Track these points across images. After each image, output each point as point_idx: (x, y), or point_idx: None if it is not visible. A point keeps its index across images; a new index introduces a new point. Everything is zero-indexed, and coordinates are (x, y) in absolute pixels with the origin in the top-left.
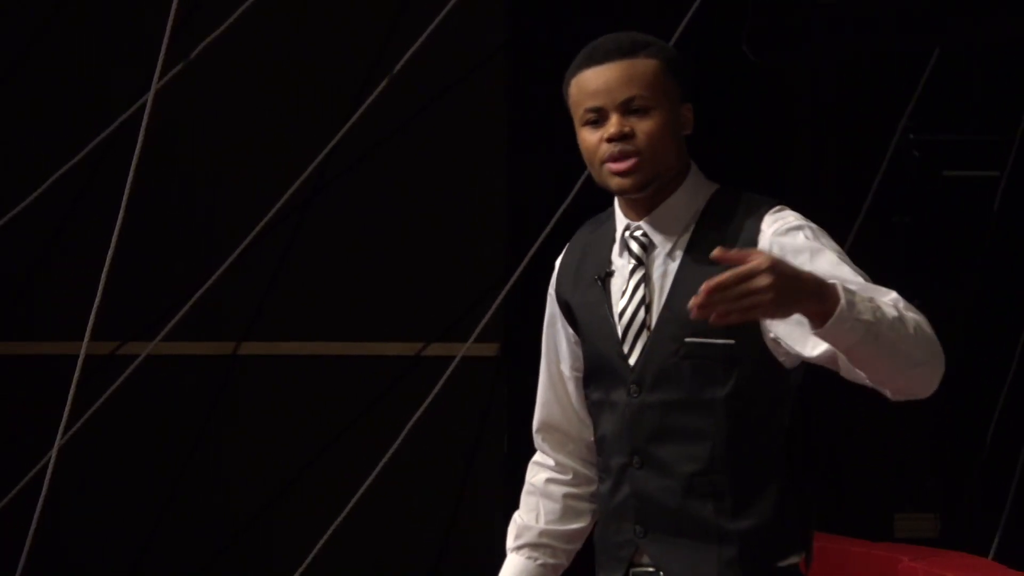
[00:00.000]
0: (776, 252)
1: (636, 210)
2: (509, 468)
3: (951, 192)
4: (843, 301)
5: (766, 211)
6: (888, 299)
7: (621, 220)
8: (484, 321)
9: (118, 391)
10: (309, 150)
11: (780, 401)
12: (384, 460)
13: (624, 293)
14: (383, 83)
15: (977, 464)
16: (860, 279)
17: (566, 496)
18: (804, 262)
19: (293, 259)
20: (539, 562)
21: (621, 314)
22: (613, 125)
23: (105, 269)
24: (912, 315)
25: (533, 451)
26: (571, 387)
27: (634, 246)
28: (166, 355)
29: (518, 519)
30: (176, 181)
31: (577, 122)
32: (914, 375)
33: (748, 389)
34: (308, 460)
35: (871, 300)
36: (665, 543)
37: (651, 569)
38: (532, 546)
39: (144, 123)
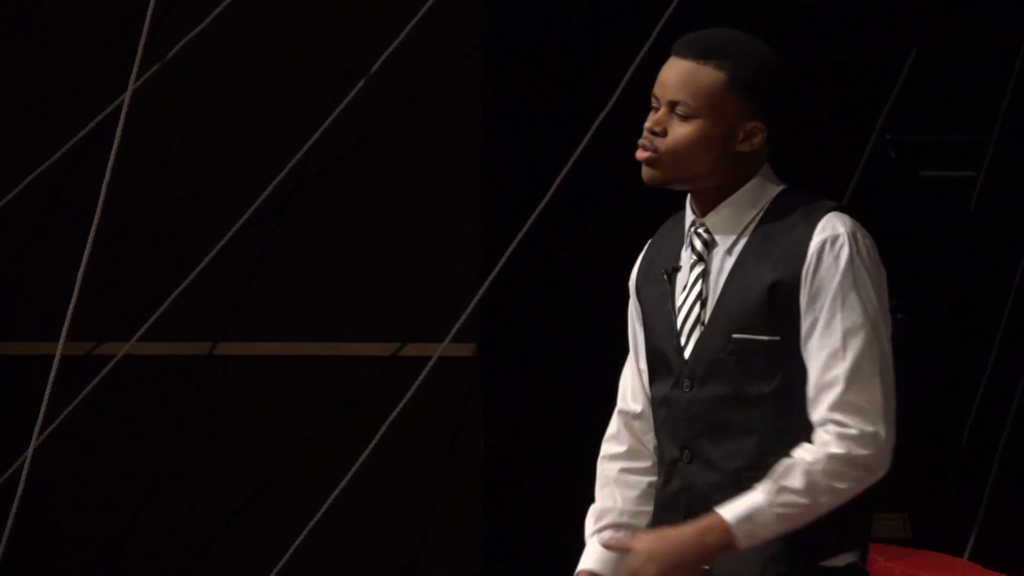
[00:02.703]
0: (811, 266)
1: (700, 206)
2: (486, 468)
3: (928, 192)
4: (739, 539)
5: (821, 215)
6: (800, 471)
7: (689, 215)
8: (461, 321)
9: (94, 391)
10: (285, 151)
11: None
12: (361, 460)
13: (685, 288)
14: (360, 83)
15: (953, 464)
16: (846, 366)
17: (640, 484)
18: (816, 315)
19: (270, 259)
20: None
21: (680, 308)
22: (651, 119)
23: (81, 269)
24: (821, 475)
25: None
26: (646, 378)
27: (697, 242)
28: (142, 355)
29: (596, 507)
30: (153, 181)
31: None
32: (837, 508)
33: (795, 385)
34: (285, 460)
35: (772, 502)
36: None
37: (705, 567)
38: (616, 527)
39: (121, 123)
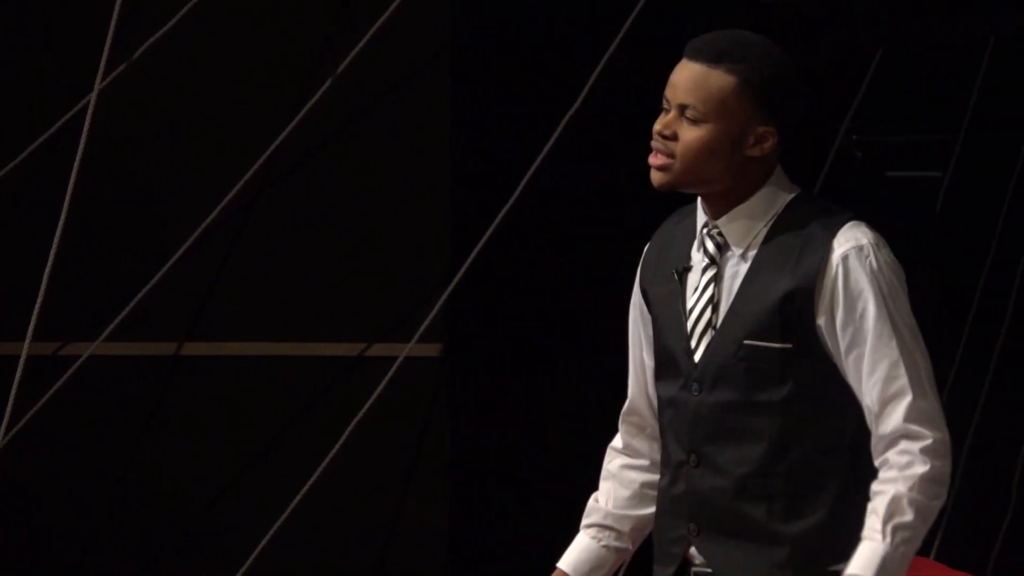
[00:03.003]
0: (836, 277)
1: (713, 209)
2: (452, 468)
3: (894, 192)
4: None
5: (841, 224)
6: (905, 496)
7: (701, 217)
8: (427, 321)
9: (60, 392)
10: (253, 150)
11: (842, 406)
12: (327, 460)
13: (696, 290)
14: (327, 83)
15: None
16: (909, 375)
17: (638, 482)
18: (861, 329)
19: (236, 260)
20: (602, 543)
21: (691, 311)
22: (661, 122)
23: (47, 269)
24: (923, 498)
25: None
26: (650, 376)
27: (710, 245)
28: (108, 355)
29: (591, 499)
30: (119, 182)
31: None
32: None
33: (806, 393)
34: (251, 460)
35: (894, 543)
36: (717, 542)
37: (708, 570)
38: (598, 527)
39: (87, 123)
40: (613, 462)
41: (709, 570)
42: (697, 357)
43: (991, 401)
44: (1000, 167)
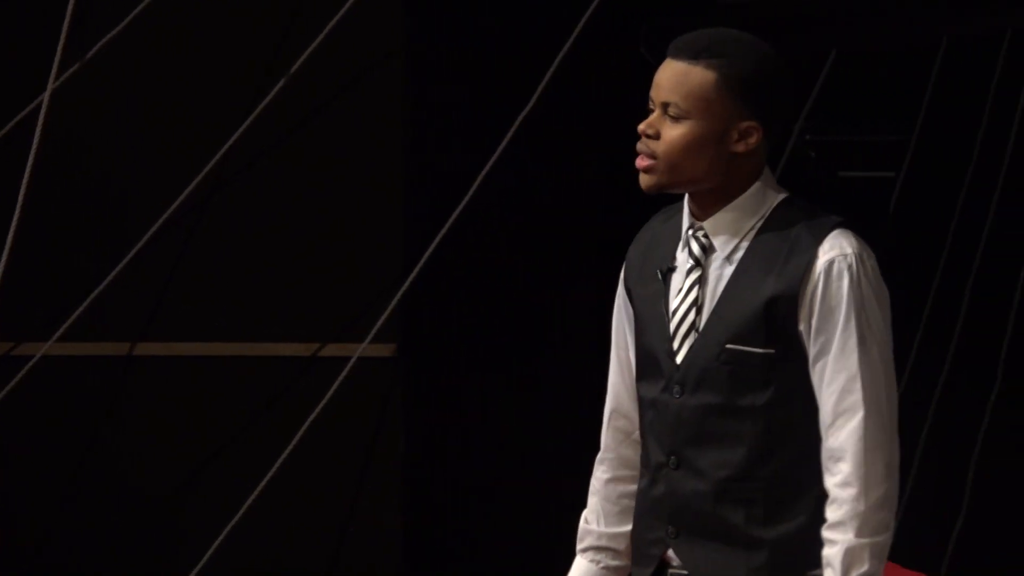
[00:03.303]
0: (818, 285)
1: (700, 210)
2: (406, 468)
3: (848, 193)
4: None
5: (827, 231)
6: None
7: (687, 217)
8: (381, 321)
9: (12, 392)
10: (206, 151)
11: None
12: (280, 461)
13: (680, 292)
14: (280, 83)
15: None
16: (863, 392)
17: (626, 495)
18: (828, 340)
19: (189, 259)
20: (602, 565)
21: (675, 312)
22: (645, 121)
23: None
24: (875, 537)
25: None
26: (632, 375)
27: (695, 246)
28: (61, 356)
29: (582, 521)
30: (72, 182)
31: None
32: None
33: (788, 399)
34: (204, 461)
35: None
36: (695, 545)
37: (685, 572)
38: (595, 549)
39: (40, 123)
40: (599, 475)
41: (686, 572)
42: (679, 359)
43: (945, 401)
44: (953, 168)
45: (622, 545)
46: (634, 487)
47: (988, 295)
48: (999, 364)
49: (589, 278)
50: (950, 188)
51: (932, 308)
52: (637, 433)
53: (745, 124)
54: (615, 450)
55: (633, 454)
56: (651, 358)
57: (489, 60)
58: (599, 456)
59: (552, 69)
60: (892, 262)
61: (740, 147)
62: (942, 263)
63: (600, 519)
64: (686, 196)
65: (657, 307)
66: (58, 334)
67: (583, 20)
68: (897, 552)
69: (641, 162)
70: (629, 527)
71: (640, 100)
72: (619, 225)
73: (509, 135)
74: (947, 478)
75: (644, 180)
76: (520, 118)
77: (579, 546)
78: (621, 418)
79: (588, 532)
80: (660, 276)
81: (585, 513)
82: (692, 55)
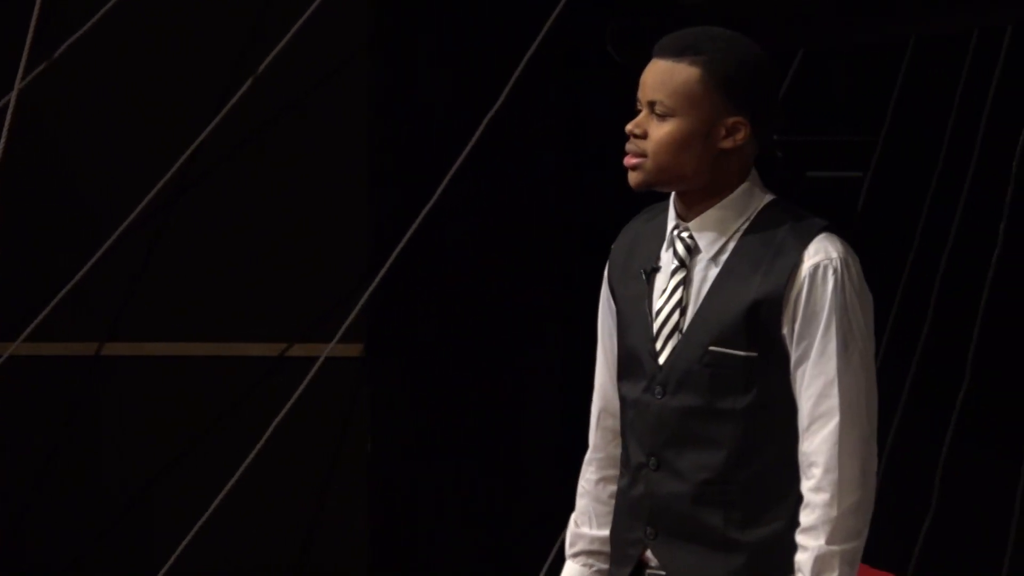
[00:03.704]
0: (803, 289)
1: (686, 210)
2: (373, 468)
3: (815, 193)
4: None
5: (814, 234)
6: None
7: (672, 217)
8: (348, 321)
9: None
10: (172, 150)
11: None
12: (248, 461)
13: (664, 292)
14: (247, 83)
15: None
16: (840, 397)
17: (615, 496)
18: (809, 343)
19: (156, 260)
20: (595, 568)
21: (658, 312)
22: (633, 121)
23: None
24: (846, 544)
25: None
26: (616, 375)
27: (679, 247)
28: (28, 356)
29: (572, 524)
30: (39, 181)
31: None
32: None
33: (769, 402)
34: (172, 461)
35: None
36: (673, 547)
37: (662, 573)
38: (587, 553)
39: (7, 123)
40: (588, 476)
41: (663, 573)
42: (662, 360)
43: (913, 400)
44: (921, 168)
45: (609, 544)
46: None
47: (956, 295)
48: (967, 363)
49: (557, 277)
50: (918, 188)
51: (900, 308)
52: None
53: (732, 120)
54: (604, 450)
55: (620, 452)
56: (634, 358)
57: (456, 59)
58: (588, 456)
59: (520, 68)
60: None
61: (728, 143)
62: (910, 263)
63: (592, 522)
64: (672, 195)
65: (640, 307)
66: (25, 334)
67: (550, 19)
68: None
69: (629, 160)
70: None
71: (607, 98)
72: (587, 224)
73: (477, 134)
74: (915, 477)
75: (633, 178)
76: (488, 117)
77: (571, 550)
78: (610, 417)
79: (580, 536)
80: (644, 276)
81: (575, 516)
82: (676, 53)
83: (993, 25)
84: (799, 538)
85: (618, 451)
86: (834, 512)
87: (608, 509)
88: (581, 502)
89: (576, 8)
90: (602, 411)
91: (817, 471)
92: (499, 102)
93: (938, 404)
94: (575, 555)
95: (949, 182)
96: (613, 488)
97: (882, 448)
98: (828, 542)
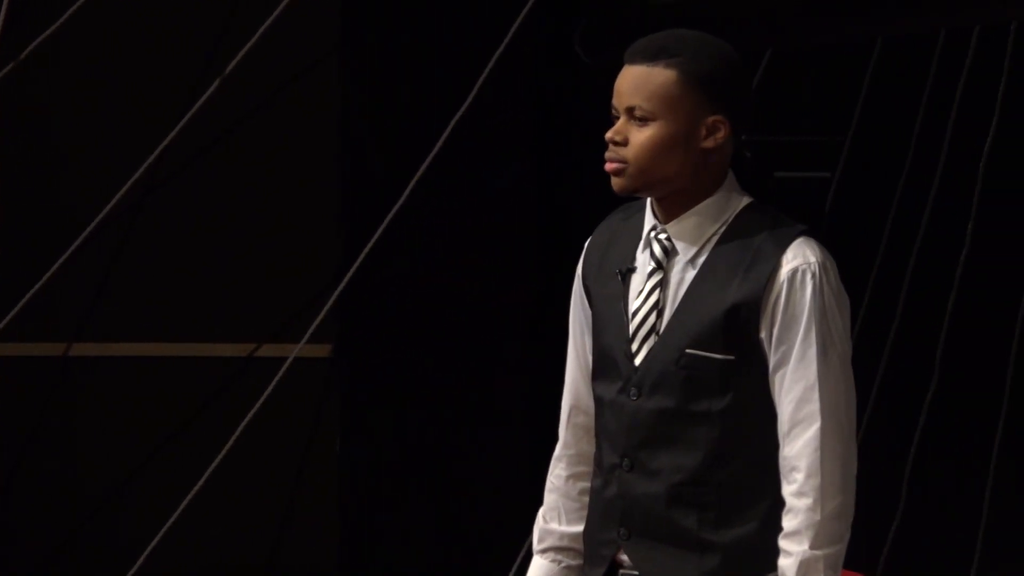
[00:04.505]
0: (781, 294)
1: (664, 212)
2: (342, 469)
3: (783, 193)
4: None
5: (792, 239)
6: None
7: (649, 219)
8: (317, 322)
9: None
10: (141, 151)
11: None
12: (217, 461)
13: (641, 293)
14: (215, 83)
15: None
16: (821, 401)
17: (585, 492)
18: (789, 348)
19: (125, 260)
20: (563, 564)
21: (635, 314)
22: (612, 129)
23: None
24: (829, 548)
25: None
26: (589, 374)
27: (657, 249)
28: None
29: (541, 520)
30: (6, 182)
31: None
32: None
33: (745, 405)
34: (141, 461)
35: None
36: (647, 548)
37: (636, 573)
38: (556, 549)
39: None
40: (558, 472)
41: (637, 573)
42: (638, 361)
43: (881, 400)
44: (888, 168)
45: (583, 544)
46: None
47: (924, 295)
48: (935, 363)
49: (525, 278)
50: (885, 189)
51: (868, 308)
52: (593, 432)
53: (712, 119)
54: (575, 446)
55: (592, 450)
56: (609, 358)
57: (424, 61)
58: (557, 453)
59: (487, 70)
60: None
61: (709, 143)
62: (877, 263)
63: (561, 518)
64: (650, 199)
65: (616, 307)
66: None
67: (518, 21)
68: None
69: (610, 165)
70: None
71: (575, 100)
72: (556, 225)
73: (445, 136)
74: (884, 477)
75: (617, 184)
76: (456, 119)
77: (539, 546)
78: (581, 414)
79: (549, 532)
80: (620, 276)
81: (543, 512)
82: (650, 57)
83: (960, 26)
84: (782, 543)
85: (589, 448)
86: (817, 516)
87: (578, 506)
88: (550, 498)
89: (544, 9)
90: (573, 408)
91: (799, 476)
92: (467, 103)
93: (906, 404)
94: (543, 551)
95: (917, 182)
96: (583, 485)
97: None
98: (812, 547)
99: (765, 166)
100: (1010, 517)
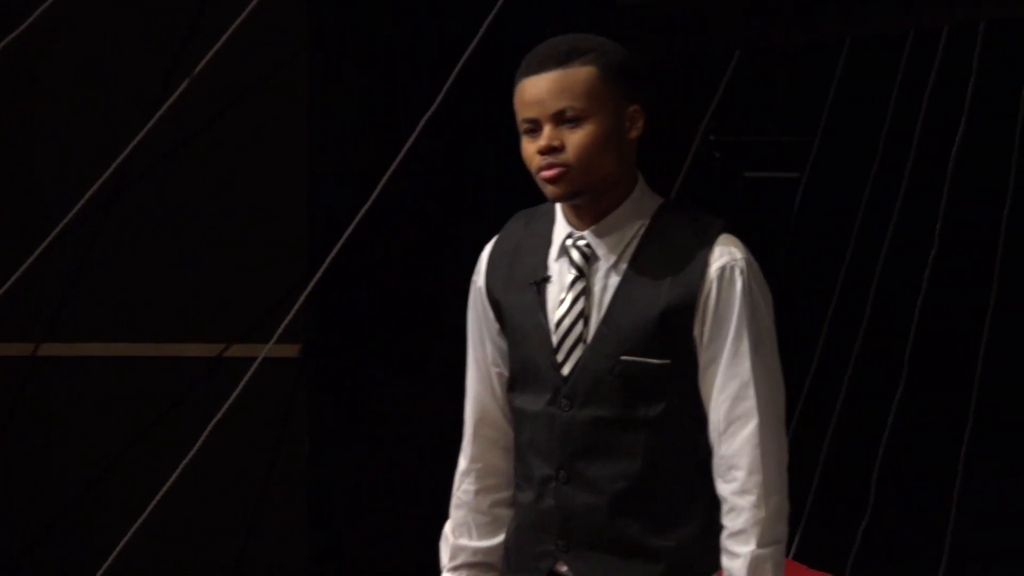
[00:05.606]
0: (710, 293)
1: (580, 219)
2: (310, 469)
3: (752, 193)
4: None
5: (715, 236)
6: (757, 551)
7: (563, 226)
8: (286, 322)
9: None
10: (110, 151)
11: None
12: (186, 461)
13: (562, 303)
14: (184, 83)
15: None
16: (756, 398)
17: (497, 505)
18: (721, 346)
19: (94, 259)
20: None
21: (558, 324)
22: (544, 138)
23: None
24: (774, 547)
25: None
26: (497, 383)
27: (576, 256)
28: None
29: (450, 537)
30: None
31: (519, 130)
32: (711, 529)
33: (682, 409)
34: (110, 461)
35: None
36: (588, 558)
37: None
38: (469, 565)
39: None
40: (465, 487)
41: None
42: (565, 371)
43: (848, 401)
44: (857, 168)
45: (496, 558)
46: (504, 496)
47: (892, 295)
48: (903, 364)
49: None
50: (854, 189)
51: (836, 308)
52: (504, 440)
53: (631, 108)
54: (483, 459)
55: (502, 463)
56: (531, 370)
57: (394, 60)
58: (463, 467)
59: (457, 69)
60: (796, 263)
61: (633, 133)
62: (846, 263)
63: (472, 532)
64: (559, 206)
65: (536, 318)
66: None
67: (488, 19)
68: (803, 552)
69: (550, 172)
70: (501, 538)
71: None
72: None
73: (414, 135)
74: (852, 477)
75: (555, 190)
76: (425, 118)
77: (450, 563)
78: (488, 427)
79: (461, 548)
80: (535, 286)
81: (450, 528)
82: (561, 61)
83: (929, 27)
84: (728, 543)
85: (498, 461)
86: (762, 514)
87: (488, 519)
88: (458, 513)
89: (514, 9)
90: (479, 421)
91: (740, 473)
92: (437, 102)
93: (875, 404)
94: (456, 568)
95: (885, 182)
96: (493, 497)
97: (819, 449)
98: (759, 545)
99: (734, 166)
100: (978, 516)
